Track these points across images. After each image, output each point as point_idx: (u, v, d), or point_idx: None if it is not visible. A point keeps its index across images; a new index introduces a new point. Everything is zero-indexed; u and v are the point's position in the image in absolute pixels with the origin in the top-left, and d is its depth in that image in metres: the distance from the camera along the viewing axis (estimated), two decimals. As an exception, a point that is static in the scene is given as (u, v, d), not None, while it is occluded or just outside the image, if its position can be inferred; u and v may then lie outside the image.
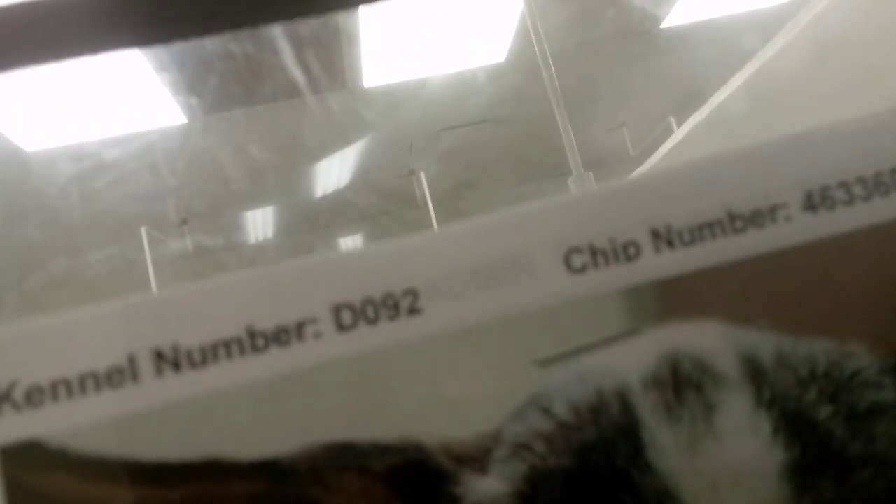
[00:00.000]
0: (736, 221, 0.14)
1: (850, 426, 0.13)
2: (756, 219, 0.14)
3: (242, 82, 1.79)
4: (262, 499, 0.12)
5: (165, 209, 2.23)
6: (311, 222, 2.76)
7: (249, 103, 1.90)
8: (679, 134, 1.02)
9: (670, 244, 0.13)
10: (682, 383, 0.13)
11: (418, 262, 0.13)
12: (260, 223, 2.75)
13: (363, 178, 2.45)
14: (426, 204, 2.07)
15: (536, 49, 1.25)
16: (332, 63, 1.78)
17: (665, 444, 0.13)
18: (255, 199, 2.48)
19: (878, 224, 0.14)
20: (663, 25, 1.98)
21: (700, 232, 0.14)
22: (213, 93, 1.79)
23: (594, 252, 0.13)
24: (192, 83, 1.72)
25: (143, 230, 1.74)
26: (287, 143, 2.16)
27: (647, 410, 0.13)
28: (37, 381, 0.12)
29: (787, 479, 0.13)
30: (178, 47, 1.55)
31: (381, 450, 0.12)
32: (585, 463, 0.13)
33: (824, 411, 0.13)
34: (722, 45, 1.80)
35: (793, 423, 0.13)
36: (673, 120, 1.81)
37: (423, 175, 1.97)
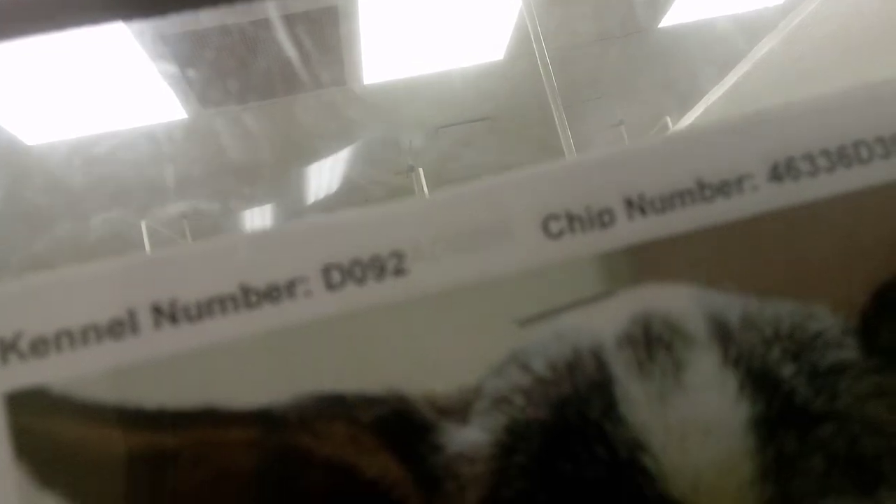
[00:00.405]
0: (705, 191, 0.14)
1: (812, 383, 0.14)
2: (724, 188, 0.14)
3: (242, 80, 1.80)
4: (255, 445, 0.13)
5: (164, 207, 2.24)
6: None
7: (248, 100, 1.90)
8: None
9: (643, 211, 0.14)
10: (653, 342, 0.14)
11: (405, 226, 0.14)
12: (258, 220, 2.75)
13: (362, 175, 2.45)
14: (424, 201, 2.07)
15: (535, 47, 1.26)
16: (332, 60, 1.79)
17: (637, 398, 0.13)
18: (253, 196, 2.48)
19: (839, 194, 0.14)
20: (661, 25, 1.98)
21: (671, 200, 0.14)
22: (211, 89, 1.80)
23: (571, 219, 0.14)
24: (191, 79, 1.73)
25: (142, 224, 1.75)
26: (285, 141, 2.16)
27: (620, 367, 0.13)
28: (42, 331, 0.13)
29: (752, 432, 0.13)
30: (179, 41, 1.55)
31: (368, 401, 0.13)
32: (561, 415, 0.13)
33: (788, 369, 0.14)
34: (719, 45, 1.80)
35: (758, 379, 0.14)
36: (668, 119, 1.82)
37: (421, 172, 1.98)
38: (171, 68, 1.64)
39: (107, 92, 1.65)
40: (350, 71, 1.87)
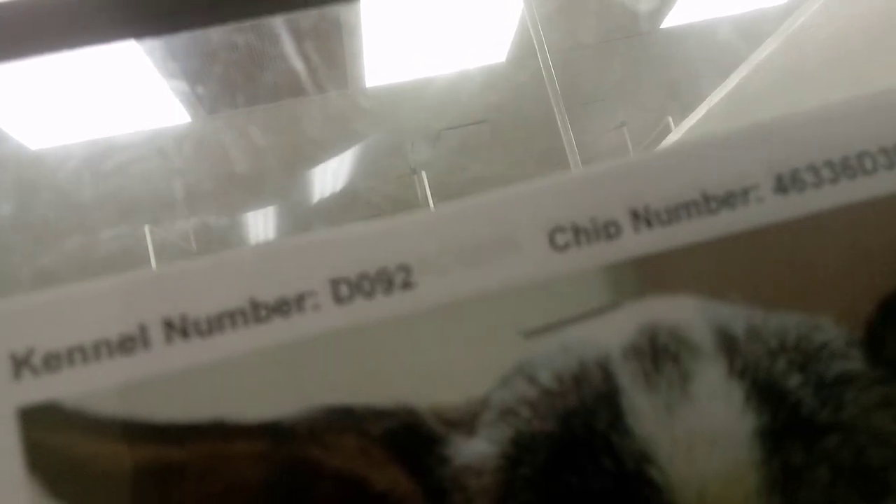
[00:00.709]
0: (710, 202, 0.14)
1: (818, 395, 0.14)
2: (729, 200, 0.14)
3: (244, 85, 1.80)
4: (265, 458, 0.13)
5: (171, 217, 2.24)
6: (312, 222, 2.77)
7: (251, 104, 1.91)
8: (676, 134, 1.02)
9: (648, 223, 0.14)
10: (659, 353, 0.14)
11: (412, 240, 0.14)
12: (261, 224, 2.76)
13: (364, 178, 2.46)
14: (427, 203, 2.08)
15: (536, 49, 1.26)
16: (334, 63, 1.79)
17: (643, 410, 0.13)
18: (256, 199, 2.49)
19: (845, 205, 0.15)
20: (663, 26, 1.98)
21: (677, 212, 0.14)
22: (215, 93, 1.80)
23: (577, 231, 0.14)
24: (195, 83, 1.73)
25: (146, 228, 1.75)
26: (288, 144, 2.17)
27: (627, 379, 0.14)
28: (54, 347, 0.13)
29: (758, 443, 0.13)
30: (183, 47, 1.56)
31: (377, 414, 0.13)
32: (568, 427, 0.13)
33: (793, 380, 0.14)
34: (720, 47, 1.80)
35: (763, 391, 0.14)
36: (671, 120, 1.82)
37: (424, 174, 1.98)
38: (177, 73, 1.64)
39: (116, 103, 1.66)
40: (352, 74, 1.88)
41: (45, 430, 0.13)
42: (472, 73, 1.97)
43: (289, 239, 0.14)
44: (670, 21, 1.96)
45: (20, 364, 0.13)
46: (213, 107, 1.87)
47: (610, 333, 0.14)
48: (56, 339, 0.13)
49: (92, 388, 0.13)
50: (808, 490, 0.13)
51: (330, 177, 2.44)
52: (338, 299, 0.14)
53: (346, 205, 2.59)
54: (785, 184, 0.15)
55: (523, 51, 1.79)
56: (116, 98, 1.65)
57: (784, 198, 0.15)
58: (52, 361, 0.13)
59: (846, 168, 0.15)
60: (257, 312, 0.13)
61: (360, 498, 0.13)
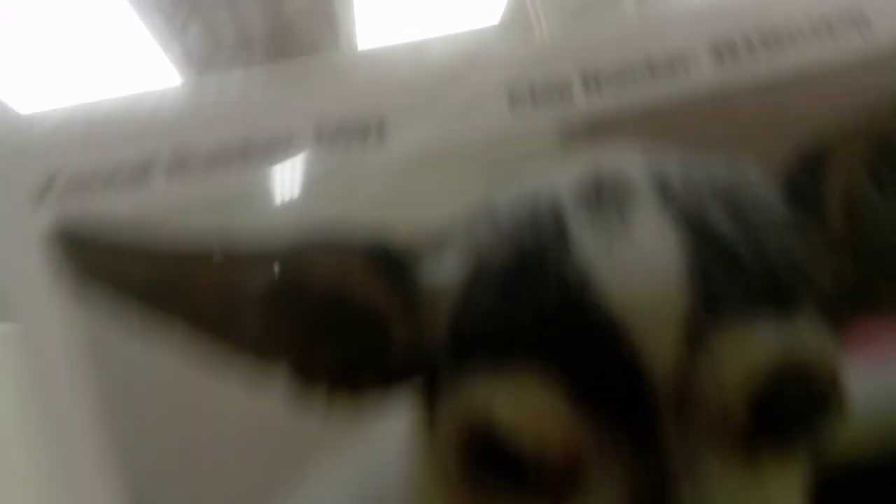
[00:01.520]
0: (654, 69, 0.16)
1: (743, 234, 0.16)
2: (672, 66, 0.16)
3: (235, 46, 1.79)
4: (259, 279, 0.15)
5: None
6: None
7: (241, 66, 1.90)
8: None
9: (598, 85, 0.16)
10: (604, 198, 0.16)
11: (387, 90, 0.16)
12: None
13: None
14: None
15: (530, 13, 1.26)
16: (326, 24, 1.78)
17: (588, 246, 0.15)
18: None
19: (774, 70, 0.16)
20: None
21: (622, 76, 0.16)
22: (205, 55, 1.79)
23: (534, 92, 0.16)
24: (186, 44, 1.72)
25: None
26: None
27: (575, 219, 0.15)
28: (76, 172, 0.15)
29: (689, 276, 0.15)
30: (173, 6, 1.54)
31: (358, 240, 0.15)
32: (523, 257, 0.15)
33: (724, 224, 0.16)
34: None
35: (694, 230, 0.16)
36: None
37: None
38: (166, 33, 1.63)
39: (98, 59, 1.64)
40: (344, 37, 1.87)
41: (68, 248, 0.15)
42: (463, 37, 1.96)
43: (277, 88, 0.16)
44: None
45: (44, 190, 0.15)
46: (204, 67, 1.85)
47: (561, 178, 0.16)
48: (78, 164, 0.15)
49: (111, 211, 0.15)
50: (727, 304, 0.15)
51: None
52: (319, 141, 0.15)
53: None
54: (721, 52, 0.16)
55: (517, 14, 1.78)
56: (102, 55, 1.64)
57: (720, 65, 0.16)
58: (75, 185, 0.15)
59: (777, 38, 0.17)
60: (248, 151, 0.15)
61: (342, 309, 0.15)
